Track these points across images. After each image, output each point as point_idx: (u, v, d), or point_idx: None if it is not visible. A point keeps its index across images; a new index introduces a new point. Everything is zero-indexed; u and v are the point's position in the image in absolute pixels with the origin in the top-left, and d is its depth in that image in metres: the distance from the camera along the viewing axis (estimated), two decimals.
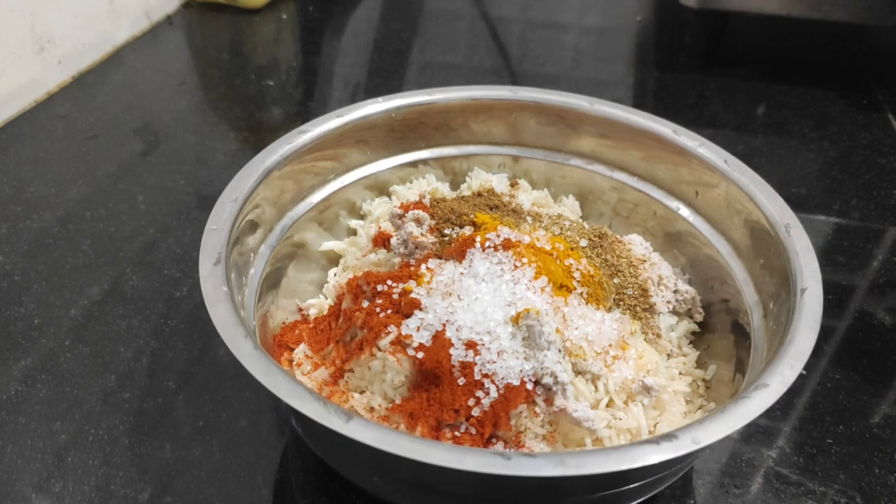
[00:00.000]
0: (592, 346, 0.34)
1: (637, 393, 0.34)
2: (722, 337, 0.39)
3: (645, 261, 0.41)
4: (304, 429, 0.34)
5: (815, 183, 0.56)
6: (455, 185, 0.47)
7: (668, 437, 0.27)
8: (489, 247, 0.36)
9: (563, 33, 0.85)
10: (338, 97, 0.72)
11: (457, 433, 0.31)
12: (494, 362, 0.32)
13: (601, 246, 0.40)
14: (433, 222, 0.41)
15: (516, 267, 0.35)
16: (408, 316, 0.34)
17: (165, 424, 0.39)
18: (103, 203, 0.54)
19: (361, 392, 0.34)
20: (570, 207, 0.46)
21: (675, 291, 0.40)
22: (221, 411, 0.40)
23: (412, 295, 0.35)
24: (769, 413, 0.28)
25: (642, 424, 0.34)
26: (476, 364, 0.32)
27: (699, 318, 0.40)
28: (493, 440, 0.32)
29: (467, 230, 0.40)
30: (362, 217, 0.45)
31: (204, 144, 0.62)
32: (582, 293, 0.35)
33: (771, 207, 0.37)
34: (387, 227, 0.41)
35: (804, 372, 0.42)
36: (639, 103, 0.71)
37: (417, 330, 0.33)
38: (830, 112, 0.68)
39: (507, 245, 0.36)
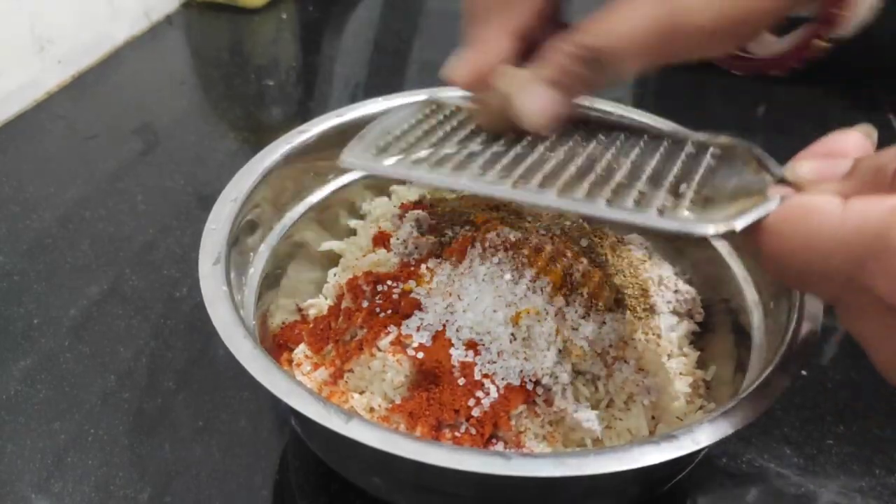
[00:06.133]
0: (592, 346, 0.34)
1: (637, 393, 0.34)
2: (722, 337, 0.39)
3: (645, 261, 0.41)
4: (304, 429, 0.34)
5: None
6: None
7: (668, 437, 0.27)
8: (489, 247, 0.36)
9: None
10: (338, 97, 0.72)
11: (457, 433, 0.31)
12: (494, 362, 0.32)
13: (601, 246, 0.40)
14: (433, 222, 0.40)
15: (516, 267, 0.35)
16: (408, 316, 0.34)
17: (165, 425, 0.39)
18: (103, 203, 0.54)
19: (361, 392, 0.34)
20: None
21: (676, 292, 0.40)
22: (221, 411, 0.40)
23: (412, 295, 0.35)
24: (769, 413, 0.28)
25: (642, 424, 0.34)
26: (476, 364, 0.32)
27: (699, 318, 0.40)
28: (493, 440, 0.32)
29: (467, 230, 0.39)
30: (362, 217, 0.45)
31: (204, 144, 0.62)
32: (582, 293, 0.35)
33: None
34: (387, 226, 0.41)
35: (804, 372, 0.42)
36: (639, 103, 0.71)
37: (417, 330, 0.33)
38: (831, 112, 0.68)
39: (507, 245, 0.36)
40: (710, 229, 0.25)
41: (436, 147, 0.32)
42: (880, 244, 0.21)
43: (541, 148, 0.31)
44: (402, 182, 0.31)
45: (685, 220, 0.26)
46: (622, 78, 0.29)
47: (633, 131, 0.33)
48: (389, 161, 0.31)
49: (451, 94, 0.36)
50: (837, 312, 0.25)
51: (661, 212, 0.27)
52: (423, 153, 0.32)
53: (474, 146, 0.32)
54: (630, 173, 0.29)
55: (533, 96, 0.30)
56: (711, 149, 0.31)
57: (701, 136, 0.32)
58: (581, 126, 0.33)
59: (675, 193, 0.28)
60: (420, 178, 0.31)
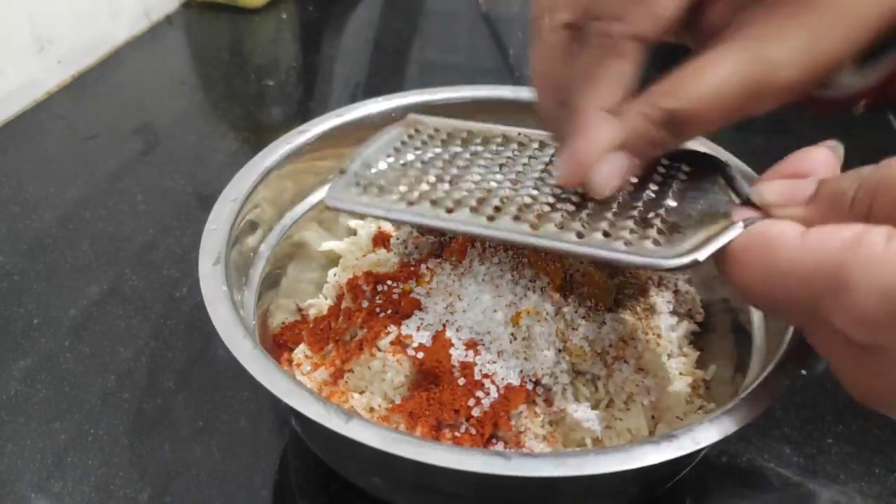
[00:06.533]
0: (592, 346, 0.34)
1: (637, 393, 0.34)
2: (722, 337, 0.39)
3: None
4: (304, 429, 0.34)
5: None
6: None
7: (668, 437, 0.27)
8: (489, 247, 0.36)
9: None
10: (338, 97, 0.72)
11: (457, 433, 0.31)
12: (494, 362, 0.32)
13: None
14: None
15: (516, 267, 0.35)
16: (408, 316, 0.34)
17: (165, 424, 0.39)
18: (103, 203, 0.54)
19: (361, 392, 0.34)
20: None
21: (676, 292, 0.40)
22: (221, 411, 0.40)
23: (412, 295, 0.35)
24: (769, 413, 0.28)
25: (642, 425, 0.34)
26: (476, 364, 0.32)
27: (699, 318, 0.40)
28: (493, 440, 0.32)
29: None
30: (362, 217, 0.45)
31: (204, 144, 0.62)
32: (582, 293, 0.35)
33: None
34: (387, 227, 0.41)
35: (804, 372, 0.42)
36: None
37: (417, 330, 0.33)
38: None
39: (507, 245, 0.36)
40: (672, 263, 0.26)
41: (416, 177, 0.33)
42: (835, 281, 0.21)
43: (515, 171, 0.32)
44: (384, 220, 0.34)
45: (650, 253, 0.27)
46: (697, 137, 0.27)
47: None
48: (370, 199, 0.32)
49: (429, 119, 0.37)
50: (807, 337, 0.25)
51: (628, 243, 0.27)
52: (403, 186, 0.33)
53: (454, 171, 0.33)
54: (600, 203, 0.29)
55: (606, 165, 0.27)
56: (683, 166, 0.31)
57: (675, 149, 0.32)
58: (553, 144, 0.34)
59: (644, 221, 0.28)
60: (399, 218, 0.32)
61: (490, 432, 0.32)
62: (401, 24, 0.86)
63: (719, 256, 0.25)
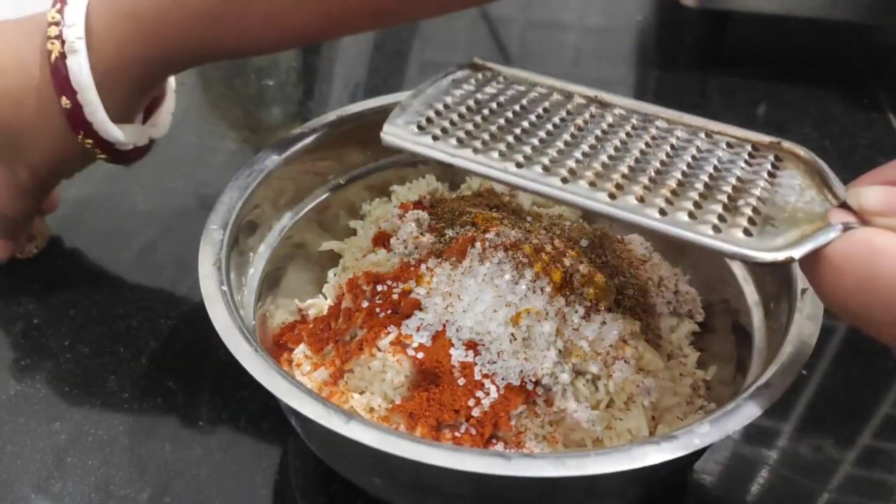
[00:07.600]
0: (592, 346, 0.34)
1: (637, 394, 0.34)
2: (722, 337, 0.39)
3: (645, 261, 0.41)
4: (304, 429, 0.34)
5: None
6: (455, 186, 0.47)
7: (668, 437, 0.27)
8: (489, 247, 0.36)
9: (563, 33, 0.85)
10: (338, 97, 0.72)
11: (457, 434, 0.31)
12: (494, 362, 0.32)
13: (601, 246, 0.40)
14: (433, 222, 0.40)
15: (516, 267, 0.35)
16: (408, 316, 0.34)
17: (165, 424, 0.39)
18: (103, 203, 0.54)
19: (361, 392, 0.34)
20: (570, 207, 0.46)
21: (676, 292, 0.40)
22: (221, 411, 0.40)
23: (412, 295, 0.35)
24: (769, 413, 0.28)
25: (642, 425, 0.34)
26: (476, 364, 0.32)
27: (699, 318, 0.40)
28: (493, 441, 0.32)
29: (467, 230, 0.39)
30: (362, 217, 0.45)
31: (204, 144, 0.62)
32: (582, 293, 0.35)
33: None
34: (387, 227, 0.41)
35: (804, 372, 0.42)
36: None
37: (417, 330, 0.33)
38: (831, 112, 0.68)
39: (507, 245, 0.36)
40: (767, 257, 0.25)
41: (482, 125, 0.30)
42: None
43: (594, 134, 0.30)
44: (442, 164, 0.31)
45: (741, 243, 0.25)
46: None
47: (691, 128, 0.31)
48: (432, 140, 0.30)
49: (498, 66, 0.35)
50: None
51: (716, 229, 0.25)
52: (468, 131, 0.30)
53: (524, 124, 0.30)
54: (685, 177, 0.28)
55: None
56: (773, 157, 0.29)
57: (764, 139, 0.31)
58: (635, 114, 0.32)
59: (734, 208, 0.26)
60: (464, 165, 0.29)
61: (490, 432, 0.32)
62: (401, 24, 0.86)
63: (813, 258, 0.24)
